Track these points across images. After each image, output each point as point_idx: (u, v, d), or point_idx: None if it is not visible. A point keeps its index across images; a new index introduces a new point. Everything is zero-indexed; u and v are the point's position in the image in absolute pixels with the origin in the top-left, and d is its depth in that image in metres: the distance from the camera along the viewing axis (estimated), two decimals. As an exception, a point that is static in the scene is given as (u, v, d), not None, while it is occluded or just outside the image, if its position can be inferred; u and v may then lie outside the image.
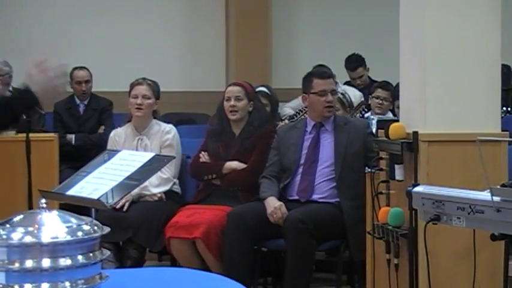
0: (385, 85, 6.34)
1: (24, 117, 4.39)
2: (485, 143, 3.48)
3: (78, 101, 7.18)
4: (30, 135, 3.57)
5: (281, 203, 4.67)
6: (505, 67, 5.05)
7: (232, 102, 5.15)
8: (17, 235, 1.82)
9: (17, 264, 1.80)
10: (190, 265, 4.68)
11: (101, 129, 6.99)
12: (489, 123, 3.85)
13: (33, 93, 2.56)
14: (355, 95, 6.60)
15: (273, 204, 4.69)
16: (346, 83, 7.29)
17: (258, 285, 5.10)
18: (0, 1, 7.98)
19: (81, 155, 6.41)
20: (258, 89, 5.76)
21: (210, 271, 4.46)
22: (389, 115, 6.13)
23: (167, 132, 5.37)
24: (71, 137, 6.88)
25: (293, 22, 9.07)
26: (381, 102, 6.20)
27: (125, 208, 4.94)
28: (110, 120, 7.02)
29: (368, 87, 6.85)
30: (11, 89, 6.50)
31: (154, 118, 5.47)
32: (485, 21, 3.87)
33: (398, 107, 4.54)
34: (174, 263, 4.99)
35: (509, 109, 6.86)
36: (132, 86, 5.41)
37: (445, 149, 3.79)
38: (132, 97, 5.35)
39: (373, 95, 6.26)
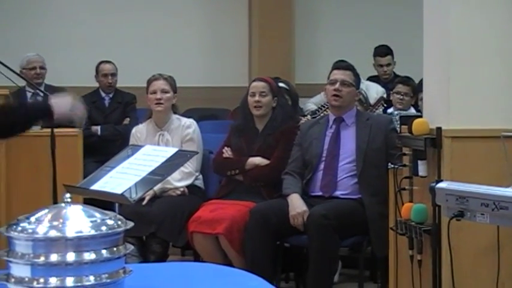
0: (405, 80, 6.32)
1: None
2: (510, 138, 3.47)
3: (103, 94, 7.29)
4: (55, 130, 3.59)
5: (306, 209, 4.66)
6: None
7: (257, 98, 5.16)
8: (42, 229, 1.83)
9: (42, 258, 1.82)
10: (213, 260, 4.68)
11: (126, 121, 7.06)
12: (513, 118, 3.83)
13: (51, 111, 2.60)
14: (377, 90, 6.59)
15: (297, 207, 4.69)
16: (370, 79, 7.27)
17: (280, 281, 5.10)
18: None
19: (106, 147, 6.47)
20: (279, 85, 5.76)
21: (233, 266, 4.47)
22: (411, 110, 6.12)
23: (187, 126, 5.38)
24: (97, 128, 6.95)
25: (316, 17, 9.04)
26: (401, 97, 6.18)
27: (145, 202, 4.95)
28: (134, 113, 7.10)
29: (391, 82, 6.84)
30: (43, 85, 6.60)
31: (174, 113, 5.49)
32: (509, 17, 3.84)
33: (421, 100, 4.52)
34: (197, 258, 5.00)
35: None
36: (149, 82, 5.43)
37: (469, 145, 3.77)
38: (151, 93, 5.37)
39: (394, 90, 6.25)
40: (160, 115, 5.39)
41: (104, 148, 6.45)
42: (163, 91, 5.34)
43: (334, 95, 4.87)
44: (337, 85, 4.85)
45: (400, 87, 6.24)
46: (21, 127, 2.57)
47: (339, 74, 4.91)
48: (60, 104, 2.61)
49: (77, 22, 8.30)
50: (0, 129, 2.51)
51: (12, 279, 1.85)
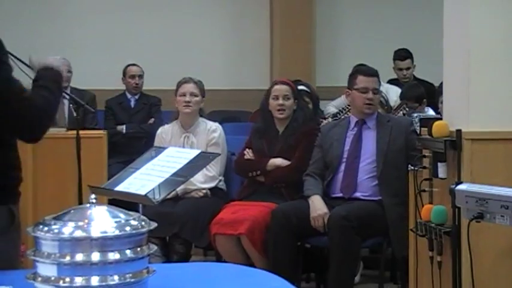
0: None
1: (75, 114, 4.44)
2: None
3: (129, 96, 7.41)
4: (80, 132, 3.60)
5: (326, 211, 4.66)
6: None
7: (280, 101, 5.16)
8: (67, 229, 1.83)
9: (68, 258, 1.82)
10: (235, 260, 4.69)
11: (151, 121, 7.11)
12: (532, 121, 3.81)
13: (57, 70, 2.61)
14: (397, 94, 6.58)
15: (318, 208, 4.70)
16: (390, 82, 7.26)
17: (301, 281, 5.11)
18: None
19: (131, 145, 6.53)
20: (299, 88, 5.76)
21: (255, 266, 4.47)
22: (431, 112, 6.10)
23: (213, 130, 5.40)
24: (122, 127, 7.01)
25: (336, 21, 9.04)
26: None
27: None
28: (159, 114, 7.19)
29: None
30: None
31: (201, 116, 5.51)
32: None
33: (441, 102, 4.51)
34: (219, 258, 5.01)
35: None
36: (179, 84, 5.46)
37: (489, 147, 3.75)
38: (180, 95, 5.40)
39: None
40: (188, 117, 5.42)
41: (129, 147, 6.51)
42: (193, 94, 5.38)
43: (369, 104, 4.87)
44: (370, 94, 4.86)
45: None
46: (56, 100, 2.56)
47: (369, 82, 4.89)
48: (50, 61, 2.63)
49: (103, 26, 8.35)
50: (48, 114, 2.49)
51: (39, 278, 1.86)
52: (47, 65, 2.59)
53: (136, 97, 7.41)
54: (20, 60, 2.75)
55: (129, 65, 7.46)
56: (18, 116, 2.37)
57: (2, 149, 2.42)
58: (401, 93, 6.29)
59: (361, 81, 4.90)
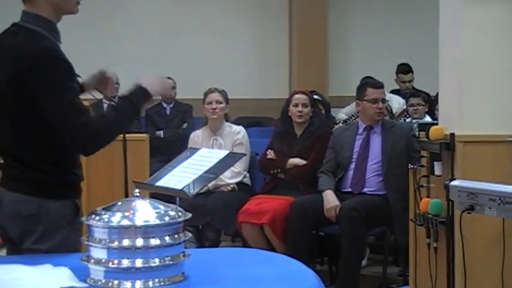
0: (415, 93, 6.33)
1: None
2: (514, 143, 3.44)
3: (165, 105, 7.41)
4: (127, 135, 3.62)
5: (338, 203, 4.66)
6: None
7: (300, 108, 5.17)
8: (115, 219, 1.85)
9: (116, 243, 1.83)
10: (259, 246, 4.70)
11: (184, 126, 7.13)
12: (517, 126, 3.79)
13: (149, 93, 2.53)
14: (399, 102, 6.56)
15: (330, 201, 4.69)
16: (392, 92, 7.23)
17: (316, 264, 5.10)
18: (96, 17, 8.10)
19: (168, 148, 6.55)
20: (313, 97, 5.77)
21: (275, 251, 4.48)
22: (428, 118, 6.08)
23: (237, 132, 5.42)
24: (160, 133, 7.06)
25: (347, 39, 9.03)
26: (415, 108, 6.19)
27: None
28: (191, 120, 7.20)
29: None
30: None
31: (226, 121, 5.52)
32: (513, 37, 3.82)
33: (437, 110, 4.50)
34: (245, 244, 5.02)
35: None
36: (206, 94, 5.48)
37: (479, 148, 3.73)
38: (207, 103, 5.42)
39: (408, 104, 6.25)
40: (215, 122, 5.43)
41: (166, 149, 6.52)
42: (218, 102, 5.39)
43: (379, 113, 4.88)
44: (380, 104, 4.86)
45: (412, 100, 6.24)
46: (130, 118, 2.49)
47: (378, 93, 4.90)
48: (154, 84, 2.55)
49: (144, 44, 8.39)
50: (115, 128, 2.45)
51: (92, 260, 1.88)
52: (143, 85, 2.52)
53: (171, 105, 7.41)
54: (79, 77, 2.74)
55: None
56: (73, 137, 2.35)
57: (65, 149, 2.44)
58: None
59: (371, 93, 4.90)
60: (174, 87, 7.38)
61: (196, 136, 5.50)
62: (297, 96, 5.27)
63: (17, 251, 2.42)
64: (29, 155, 2.39)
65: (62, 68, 2.34)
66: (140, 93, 2.52)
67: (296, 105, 5.19)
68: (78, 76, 2.55)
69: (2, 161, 2.51)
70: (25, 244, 2.39)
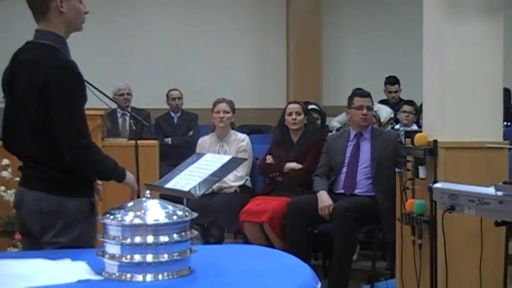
0: (410, 102, 6.31)
1: (134, 127, 4.47)
2: (491, 149, 3.43)
3: (172, 114, 7.42)
4: (138, 141, 3.63)
5: (331, 203, 4.66)
6: (505, 90, 4.96)
7: (294, 116, 5.18)
8: (128, 218, 1.85)
9: (128, 240, 1.84)
10: (259, 242, 4.70)
11: (190, 133, 7.14)
12: (493, 134, 3.79)
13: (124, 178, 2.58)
14: (387, 111, 6.57)
15: (324, 201, 4.69)
16: (381, 102, 7.24)
17: (311, 259, 5.10)
18: (112, 34, 8.13)
19: (176, 153, 6.55)
20: (310, 106, 5.78)
21: (274, 247, 4.48)
22: (414, 127, 6.08)
23: (242, 140, 5.41)
24: (168, 139, 7.06)
25: (339, 53, 9.04)
26: (407, 115, 6.18)
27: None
28: (197, 127, 7.20)
29: (398, 105, 6.82)
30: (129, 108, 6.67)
31: (232, 129, 5.52)
32: (490, 54, 3.81)
33: (422, 119, 4.50)
34: (247, 241, 5.01)
35: (509, 123, 6.79)
36: (215, 104, 5.48)
37: (459, 154, 3.74)
38: (215, 112, 5.42)
39: (401, 110, 6.24)
40: (222, 130, 5.43)
41: (174, 154, 6.53)
42: (225, 111, 5.39)
43: (364, 118, 4.88)
44: (364, 110, 4.87)
45: (405, 108, 6.23)
46: (109, 172, 2.53)
47: (363, 101, 4.90)
48: (131, 182, 2.60)
49: (155, 59, 8.40)
50: (88, 168, 2.46)
51: (107, 255, 1.88)
52: (128, 175, 2.58)
53: (178, 114, 7.40)
54: (96, 88, 2.77)
55: (170, 90, 7.46)
56: (66, 147, 2.38)
57: None
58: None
59: (357, 101, 4.92)
60: (180, 98, 7.42)
61: (204, 141, 5.50)
62: (290, 106, 5.29)
63: (36, 245, 2.44)
64: (48, 158, 2.41)
65: (76, 81, 2.39)
66: (123, 174, 2.56)
67: (290, 114, 5.20)
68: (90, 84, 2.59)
69: (21, 164, 2.53)
70: (45, 238, 2.41)
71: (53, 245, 2.38)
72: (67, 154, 2.38)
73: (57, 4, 2.45)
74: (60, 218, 2.40)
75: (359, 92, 5.08)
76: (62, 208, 2.40)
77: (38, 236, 2.44)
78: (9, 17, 6.85)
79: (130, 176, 2.59)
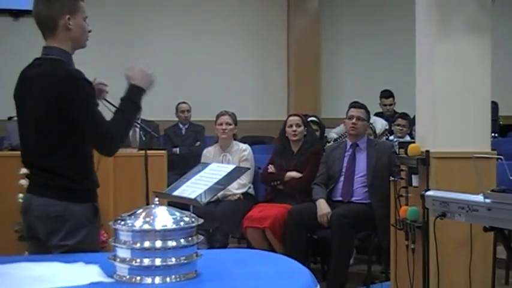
0: (403, 115, 6.31)
1: (144, 138, 4.48)
2: (480, 159, 3.43)
3: (181, 126, 7.44)
4: (148, 151, 3.64)
5: (329, 210, 4.65)
6: (493, 103, 4.97)
7: (294, 128, 5.19)
8: (138, 223, 1.84)
9: (138, 244, 1.83)
10: (261, 247, 4.69)
11: (197, 144, 7.14)
12: (482, 144, 3.79)
13: (139, 88, 2.54)
14: (382, 123, 6.58)
15: (323, 209, 4.69)
16: (376, 114, 7.25)
17: (310, 263, 5.09)
18: (122, 48, 8.13)
19: (183, 163, 6.55)
20: (309, 118, 5.78)
21: (276, 252, 4.47)
22: (407, 138, 6.09)
23: (244, 150, 5.42)
24: (176, 150, 7.07)
25: (337, 68, 9.06)
26: (401, 128, 6.18)
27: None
28: (203, 138, 7.22)
29: (392, 117, 6.82)
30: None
31: (234, 140, 5.53)
32: (478, 70, 3.83)
33: (415, 130, 4.51)
34: (249, 246, 5.01)
35: (496, 134, 6.79)
36: (218, 116, 5.49)
37: (450, 163, 3.74)
38: (218, 124, 5.43)
39: (395, 123, 6.24)
40: (224, 141, 5.44)
41: (182, 164, 6.53)
42: (227, 123, 5.41)
43: (352, 127, 4.88)
44: (354, 120, 4.88)
45: (399, 121, 6.23)
46: (135, 115, 2.53)
47: (355, 112, 4.92)
48: (142, 79, 2.55)
49: (162, 72, 8.38)
50: (126, 128, 2.49)
51: (118, 259, 1.87)
52: (135, 83, 2.53)
53: (186, 126, 7.43)
54: (107, 101, 2.79)
55: (180, 103, 7.50)
56: (98, 142, 2.41)
57: (85, 161, 2.49)
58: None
59: (350, 111, 4.96)
60: (189, 111, 7.44)
61: (209, 152, 5.51)
62: (291, 118, 5.30)
63: (41, 248, 2.44)
64: (55, 165, 2.43)
65: (87, 87, 2.42)
66: (137, 92, 2.54)
67: (291, 125, 5.21)
68: None
69: (28, 172, 2.55)
70: (52, 241, 2.42)
71: (60, 248, 2.38)
72: (106, 145, 2.39)
73: (65, 22, 2.48)
74: (67, 222, 2.41)
75: (354, 104, 5.10)
76: (68, 213, 2.41)
77: (44, 239, 2.44)
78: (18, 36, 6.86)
79: (144, 83, 2.54)
